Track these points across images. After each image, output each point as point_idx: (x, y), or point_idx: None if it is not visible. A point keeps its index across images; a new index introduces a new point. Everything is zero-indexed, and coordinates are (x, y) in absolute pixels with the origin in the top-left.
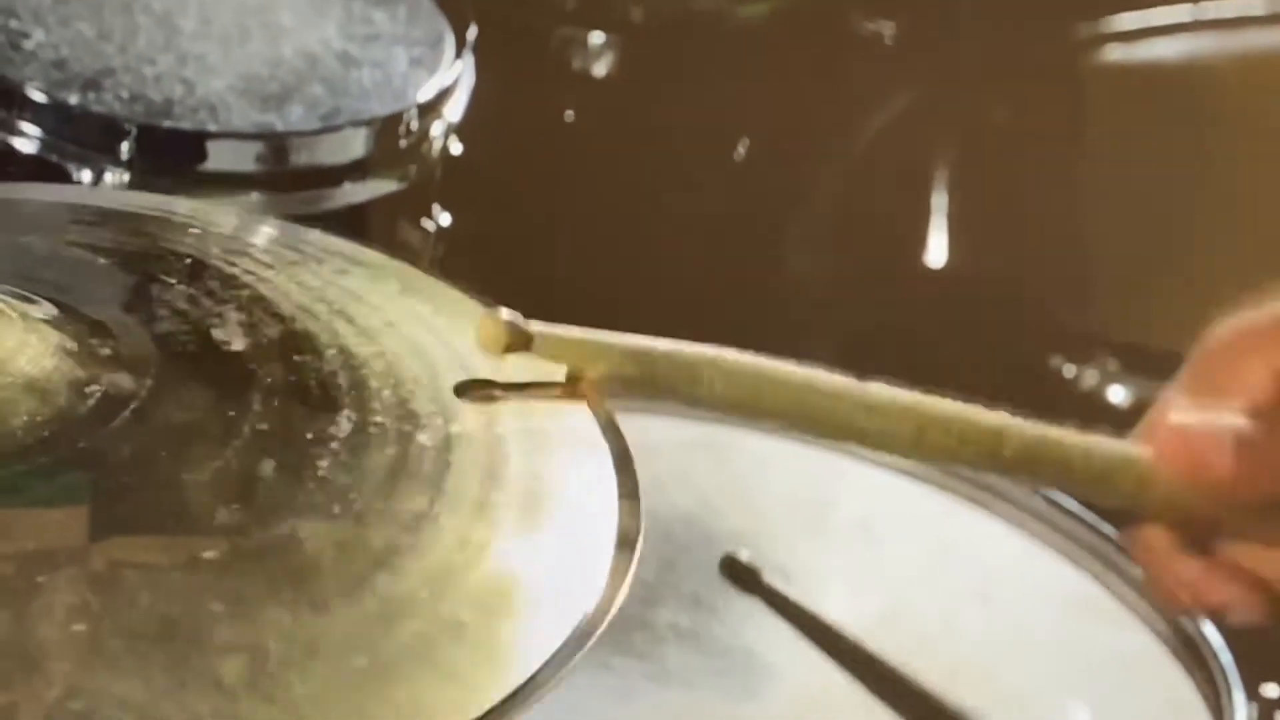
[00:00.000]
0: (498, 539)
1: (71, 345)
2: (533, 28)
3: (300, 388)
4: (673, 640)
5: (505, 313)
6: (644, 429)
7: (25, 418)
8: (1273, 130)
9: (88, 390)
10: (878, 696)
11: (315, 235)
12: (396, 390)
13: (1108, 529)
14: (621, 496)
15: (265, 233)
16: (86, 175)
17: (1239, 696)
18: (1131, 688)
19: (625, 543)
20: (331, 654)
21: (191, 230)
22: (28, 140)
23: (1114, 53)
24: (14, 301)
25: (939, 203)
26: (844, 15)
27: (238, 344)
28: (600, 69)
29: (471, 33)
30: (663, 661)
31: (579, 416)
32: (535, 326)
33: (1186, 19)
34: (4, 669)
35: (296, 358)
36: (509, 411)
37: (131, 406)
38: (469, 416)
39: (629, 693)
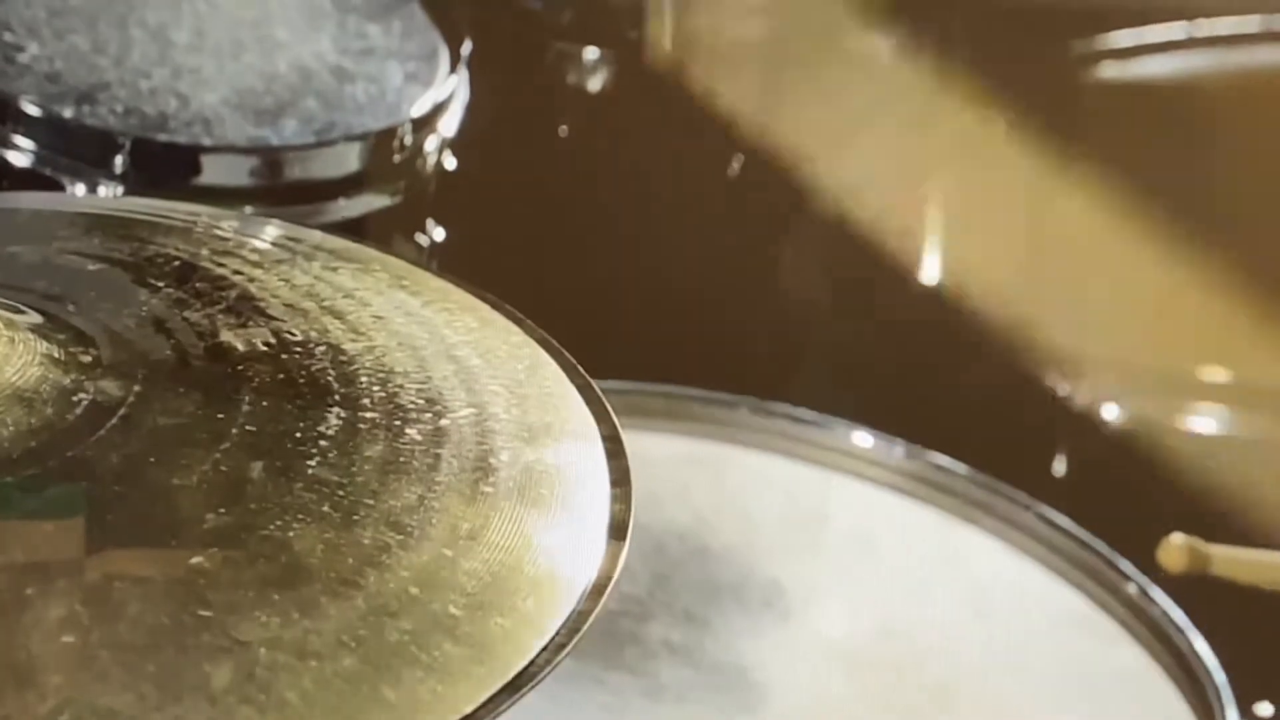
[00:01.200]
0: (488, 532)
1: (58, 354)
2: (527, 43)
3: (289, 387)
4: (665, 655)
5: (1182, 537)
6: (639, 444)
7: (12, 428)
8: (1267, 147)
9: (75, 399)
10: None
11: (304, 232)
12: (386, 385)
13: (1101, 546)
14: (613, 484)
15: (254, 232)
16: (80, 189)
17: (1233, 715)
18: (1126, 704)
19: (617, 531)
20: (322, 655)
21: (180, 232)
22: (21, 154)
23: (1109, 70)
24: (0, 311)
25: (933, 219)
26: (839, 33)
27: (226, 346)
28: (595, 84)
29: (466, 47)
30: (655, 676)
31: (570, 406)
32: (1215, 550)
33: (1181, 36)
34: None
35: (285, 357)
36: (499, 402)
37: (120, 413)
38: (458, 410)
39: (622, 708)
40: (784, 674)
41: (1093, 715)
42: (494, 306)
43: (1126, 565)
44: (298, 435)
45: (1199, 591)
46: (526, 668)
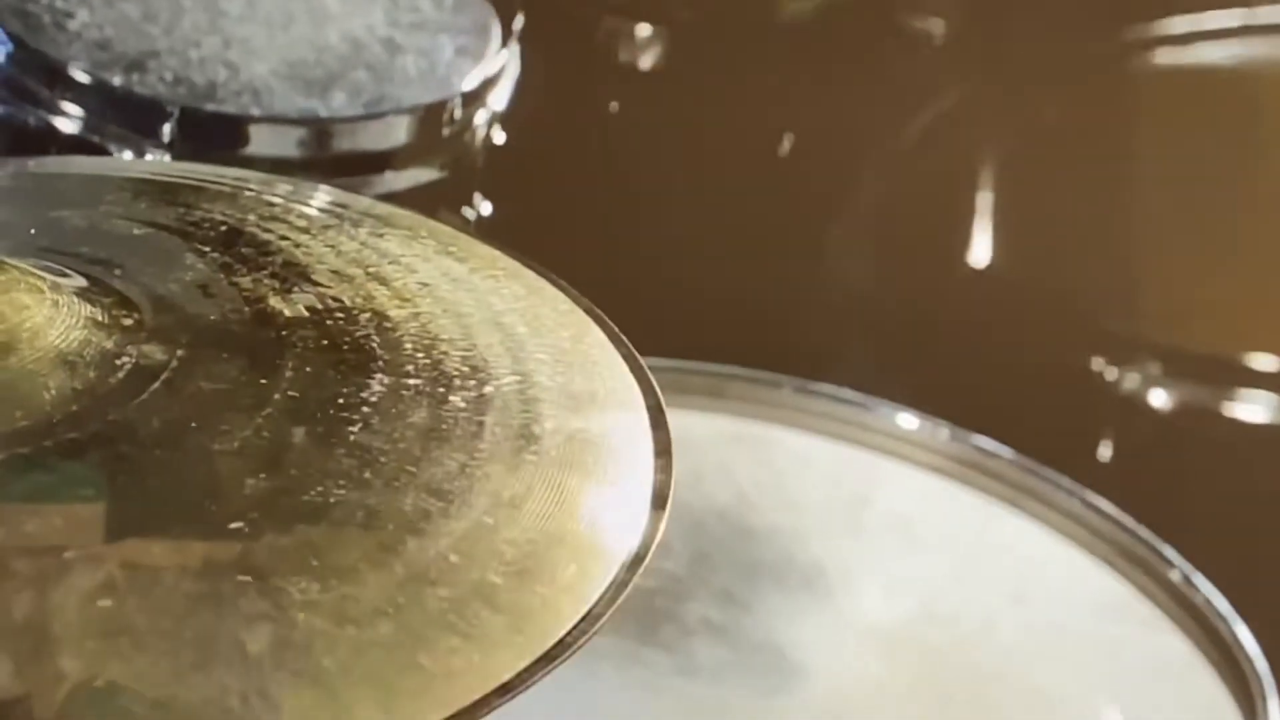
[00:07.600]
0: (530, 500)
1: (102, 317)
2: (579, 19)
3: (333, 353)
4: (703, 634)
5: None
6: (682, 423)
7: (55, 391)
8: None
9: (118, 362)
10: None
11: (352, 198)
12: (430, 352)
13: (1145, 532)
14: (656, 454)
15: (302, 197)
16: (128, 157)
17: (1274, 703)
18: (1166, 693)
19: (658, 502)
20: (360, 622)
21: (226, 197)
22: (69, 120)
23: (1164, 56)
24: (45, 275)
25: (983, 203)
26: (892, 12)
27: (270, 311)
28: (646, 62)
29: (518, 22)
30: (692, 655)
31: (614, 375)
32: None
33: (1238, 24)
34: (28, 647)
35: (329, 323)
36: (544, 370)
37: (162, 378)
38: (503, 377)
39: (658, 686)
40: (822, 655)
41: (1134, 703)
42: (540, 274)
43: (1171, 552)
44: (340, 401)
45: (1243, 580)
46: (565, 637)
